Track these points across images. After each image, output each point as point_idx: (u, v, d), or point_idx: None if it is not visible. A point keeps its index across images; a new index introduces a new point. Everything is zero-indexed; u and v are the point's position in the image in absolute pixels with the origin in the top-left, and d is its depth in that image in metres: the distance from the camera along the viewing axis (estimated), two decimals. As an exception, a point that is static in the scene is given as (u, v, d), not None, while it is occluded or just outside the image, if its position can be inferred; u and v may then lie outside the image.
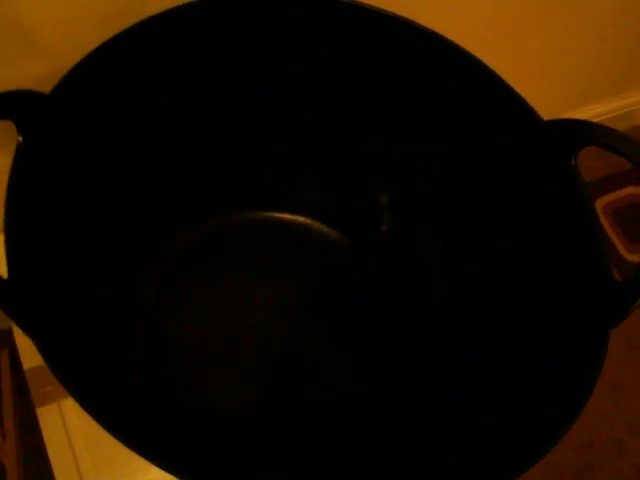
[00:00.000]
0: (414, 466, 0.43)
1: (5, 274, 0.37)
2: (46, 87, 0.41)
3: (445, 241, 0.54)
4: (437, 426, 0.46)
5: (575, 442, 0.80)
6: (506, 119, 0.45)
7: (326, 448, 0.50)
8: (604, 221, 0.95)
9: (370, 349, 0.57)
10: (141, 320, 0.54)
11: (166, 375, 0.53)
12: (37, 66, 0.49)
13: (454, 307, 0.53)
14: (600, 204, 0.96)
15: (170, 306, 0.56)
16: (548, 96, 0.75)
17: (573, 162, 0.43)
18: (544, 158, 0.44)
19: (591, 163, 0.96)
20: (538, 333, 0.44)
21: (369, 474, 0.46)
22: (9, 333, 0.58)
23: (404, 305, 0.58)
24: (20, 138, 0.39)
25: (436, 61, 0.45)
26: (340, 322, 0.58)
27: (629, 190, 0.98)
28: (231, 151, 0.56)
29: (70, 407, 0.55)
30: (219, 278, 0.58)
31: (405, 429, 0.49)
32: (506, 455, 0.39)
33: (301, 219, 0.61)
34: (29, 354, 0.56)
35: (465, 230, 0.52)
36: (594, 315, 0.40)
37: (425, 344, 0.55)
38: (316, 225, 0.61)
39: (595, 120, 0.67)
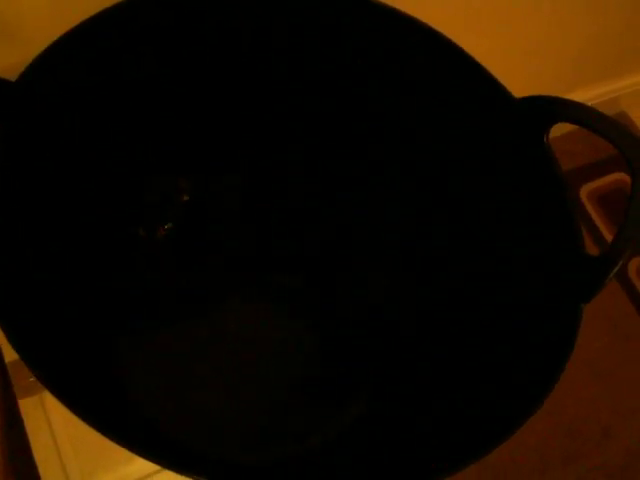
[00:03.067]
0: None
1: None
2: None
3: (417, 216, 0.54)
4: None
5: (562, 429, 0.80)
6: (476, 97, 0.45)
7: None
8: (589, 207, 0.95)
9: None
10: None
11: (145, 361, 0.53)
12: (9, 54, 0.48)
13: (425, 284, 0.53)
14: (585, 190, 0.96)
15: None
16: (533, 82, 0.75)
17: (545, 139, 0.43)
18: (516, 135, 0.44)
19: (576, 149, 0.96)
20: (511, 308, 0.44)
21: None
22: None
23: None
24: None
25: (407, 43, 0.45)
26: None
27: (616, 176, 0.98)
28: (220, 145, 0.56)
29: (52, 399, 0.55)
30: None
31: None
32: (482, 429, 0.38)
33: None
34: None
35: (436, 207, 0.52)
36: (567, 290, 0.40)
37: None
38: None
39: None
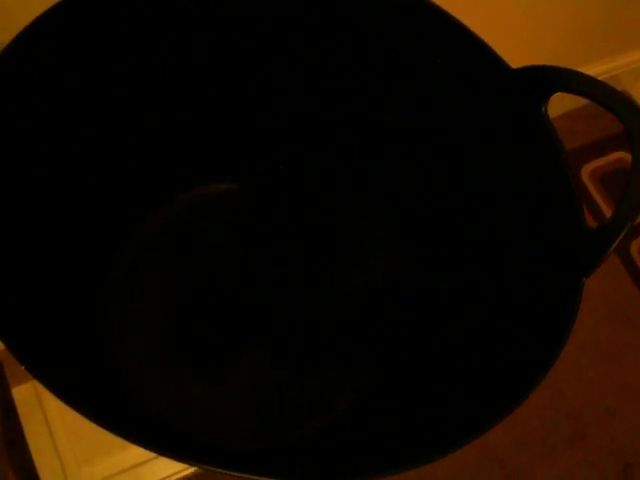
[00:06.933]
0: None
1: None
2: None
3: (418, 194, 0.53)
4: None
5: (566, 411, 0.80)
6: (471, 68, 0.44)
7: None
8: (591, 187, 0.94)
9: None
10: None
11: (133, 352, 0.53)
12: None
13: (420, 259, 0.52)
14: (587, 170, 0.95)
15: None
16: (530, 61, 0.73)
17: (543, 110, 0.42)
18: (513, 107, 0.43)
19: (577, 128, 0.95)
20: (512, 283, 0.43)
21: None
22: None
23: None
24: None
25: (398, 12, 0.44)
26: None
27: (619, 155, 0.97)
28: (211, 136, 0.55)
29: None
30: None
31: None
32: (479, 404, 0.38)
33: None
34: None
35: (434, 184, 0.51)
36: (568, 264, 0.40)
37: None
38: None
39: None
